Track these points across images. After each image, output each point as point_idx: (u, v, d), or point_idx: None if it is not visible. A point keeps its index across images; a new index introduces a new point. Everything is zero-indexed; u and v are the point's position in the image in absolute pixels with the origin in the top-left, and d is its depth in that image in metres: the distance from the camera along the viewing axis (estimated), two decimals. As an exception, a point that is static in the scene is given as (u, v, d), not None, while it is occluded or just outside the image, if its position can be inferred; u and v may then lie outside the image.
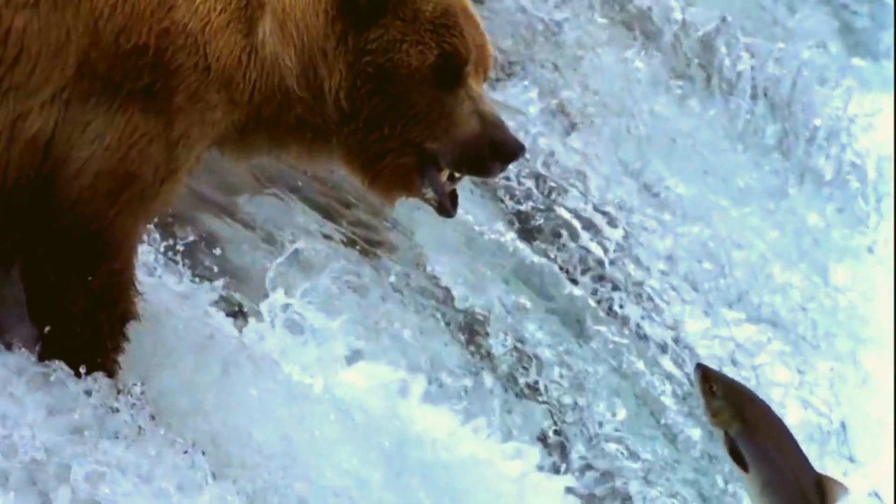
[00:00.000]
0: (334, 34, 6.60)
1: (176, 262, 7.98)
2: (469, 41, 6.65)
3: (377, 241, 9.49)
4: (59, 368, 6.72)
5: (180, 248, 8.05)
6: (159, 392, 7.04)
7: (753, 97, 13.25)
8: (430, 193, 6.71)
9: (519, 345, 9.57)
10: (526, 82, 11.99)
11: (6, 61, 6.44)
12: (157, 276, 7.79)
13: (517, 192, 10.66)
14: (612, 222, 10.97)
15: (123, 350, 6.86)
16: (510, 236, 10.32)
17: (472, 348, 9.31)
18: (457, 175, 6.75)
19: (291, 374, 7.73)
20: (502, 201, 10.61)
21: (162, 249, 7.95)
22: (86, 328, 6.71)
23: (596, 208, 11.00)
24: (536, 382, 9.51)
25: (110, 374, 6.80)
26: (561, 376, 9.57)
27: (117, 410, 6.78)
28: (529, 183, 10.78)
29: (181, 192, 6.85)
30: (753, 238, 11.94)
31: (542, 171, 10.86)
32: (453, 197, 6.77)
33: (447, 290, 9.53)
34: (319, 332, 8.44)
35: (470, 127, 6.60)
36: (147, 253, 7.73)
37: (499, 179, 10.35)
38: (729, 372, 9.98)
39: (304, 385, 7.75)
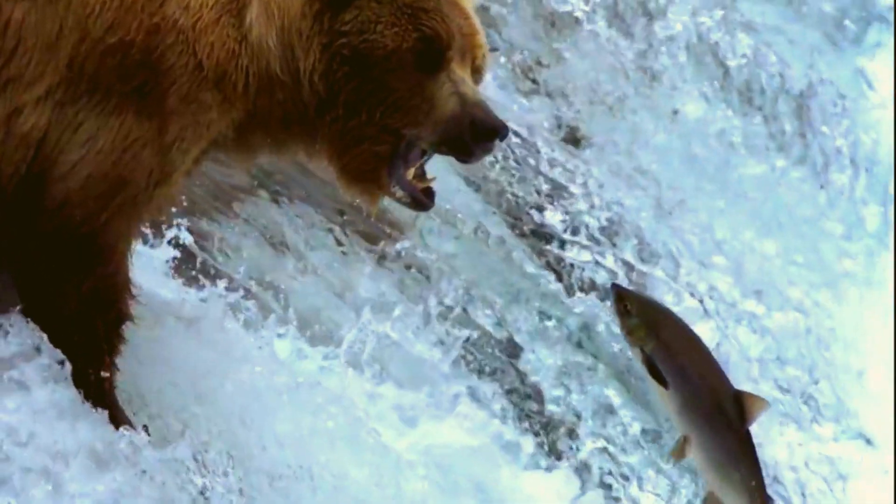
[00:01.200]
0: (311, 14, 6.60)
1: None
2: (451, 27, 6.63)
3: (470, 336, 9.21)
4: (132, 437, 6.59)
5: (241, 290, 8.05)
6: (242, 442, 7.02)
7: (853, 167, 12.62)
8: (399, 192, 6.67)
9: (610, 447, 9.24)
10: (609, 146, 11.54)
11: (4, 53, 6.47)
12: (240, 321, 7.77)
13: (597, 284, 10.19)
14: (704, 315, 10.44)
15: (120, 352, 6.81)
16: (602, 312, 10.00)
17: (560, 462, 8.99)
18: (428, 176, 6.73)
19: (379, 431, 7.61)
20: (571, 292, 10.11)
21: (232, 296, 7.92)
22: (80, 331, 6.67)
23: (689, 295, 10.54)
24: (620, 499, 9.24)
25: (108, 376, 6.76)
26: (653, 487, 9.30)
27: (205, 495, 6.67)
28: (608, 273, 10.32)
29: (178, 194, 6.86)
30: (852, 334, 11.30)
31: (630, 258, 10.33)
32: (429, 192, 6.73)
33: (537, 389, 9.21)
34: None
35: (449, 107, 6.58)
36: (222, 296, 7.73)
37: (582, 270, 10.10)
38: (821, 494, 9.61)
39: (394, 443, 7.71)
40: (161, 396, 6.96)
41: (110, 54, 6.48)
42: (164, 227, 7.96)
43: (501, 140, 6.64)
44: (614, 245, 10.28)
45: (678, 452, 6.41)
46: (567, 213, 10.31)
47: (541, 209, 10.28)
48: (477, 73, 6.71)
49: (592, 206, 10.51)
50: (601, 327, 9.81)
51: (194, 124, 6.56)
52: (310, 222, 9.19)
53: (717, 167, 11.84)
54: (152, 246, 7.91)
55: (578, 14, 12.41)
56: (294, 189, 9.26)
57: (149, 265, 7.69)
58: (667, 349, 6.37)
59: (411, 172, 6.69)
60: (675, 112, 11.97)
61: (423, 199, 6.70)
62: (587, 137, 11.40)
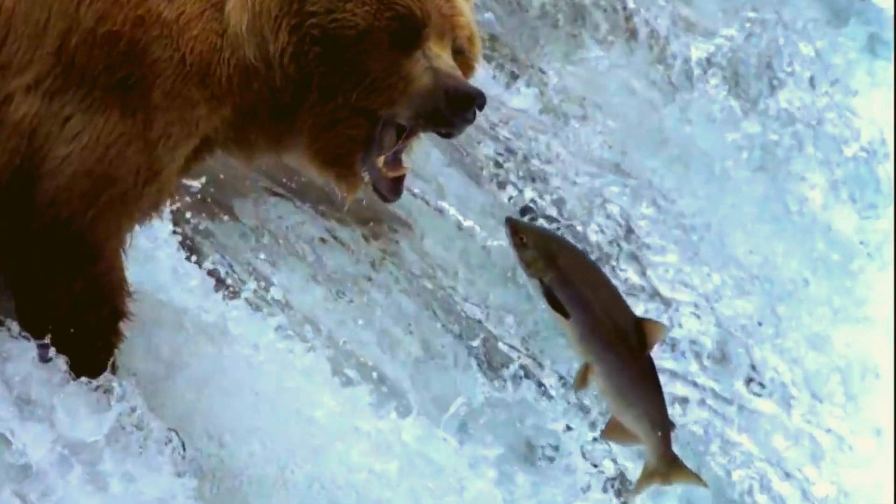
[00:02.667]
0: None
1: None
2: (427, 5, 6.61)
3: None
4: None
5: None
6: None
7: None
8: (367, 178, 6.68)
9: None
10: (722, 240, 10.61)
11: None
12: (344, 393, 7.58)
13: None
14: (821, 458, 9.68)
15: (118, 350, 6.80)
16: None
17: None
18: (406, 165, 6.71)
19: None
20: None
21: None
22: (75, 330, 6.68)
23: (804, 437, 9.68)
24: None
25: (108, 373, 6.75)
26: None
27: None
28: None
29: (173, 192, 6.85)
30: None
31: (741, 388, 9.50)
32: (398, 183, 6.69)
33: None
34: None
35: (424, 82, 6.59)
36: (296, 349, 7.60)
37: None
38: None
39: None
40: (252, 459, 6.92)
41: (99, 46, 6.52)
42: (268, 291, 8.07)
43: (480, 108, 6.58)
44: (728, 372, 9.47)
45: (580, 381, 6.47)
46: (671, 324, 9.49)
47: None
48: (460, 54, 6.69)
49: (699, 318, 9.68)
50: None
51: (181, 121, 6.58)
52: (410, 315, 8.95)
53: (839, 272, 11.00)
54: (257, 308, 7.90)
55: (696, 73, 11.43)
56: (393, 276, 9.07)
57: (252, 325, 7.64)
58: (564, 279, 6.43)
59: (381, 160, 6.65)
60: (800, 206, 11.14)
61: (385, 192, 6.66)
62: (700, 229, 10.49)
